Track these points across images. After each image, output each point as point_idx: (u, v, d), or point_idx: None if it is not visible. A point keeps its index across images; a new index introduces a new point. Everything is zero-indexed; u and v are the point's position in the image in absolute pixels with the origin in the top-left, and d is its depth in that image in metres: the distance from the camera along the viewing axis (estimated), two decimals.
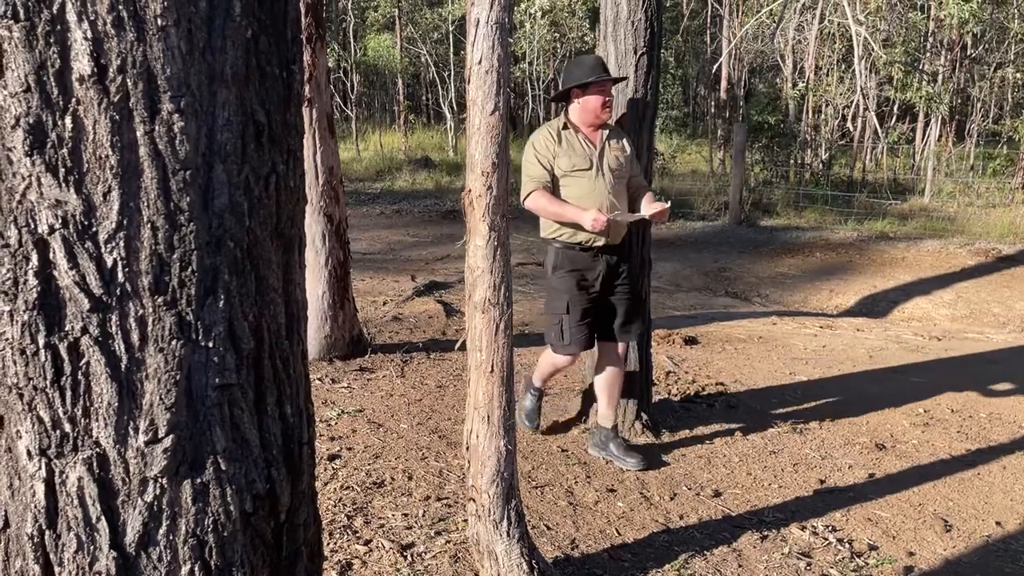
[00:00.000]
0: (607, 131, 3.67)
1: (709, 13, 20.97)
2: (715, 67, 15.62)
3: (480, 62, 2.43)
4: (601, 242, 3.62)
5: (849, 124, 15.74)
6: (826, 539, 3.17)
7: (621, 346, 3.82)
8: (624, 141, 3.73)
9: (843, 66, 15.82)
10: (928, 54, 16.04)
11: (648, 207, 3.61)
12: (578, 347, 3.71)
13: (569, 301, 3.64)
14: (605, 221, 3.43)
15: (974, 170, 14.98)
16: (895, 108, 17.19)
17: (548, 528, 3.14)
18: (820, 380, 5.24)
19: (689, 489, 3.56)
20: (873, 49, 12.44)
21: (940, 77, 15.23)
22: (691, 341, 6.02)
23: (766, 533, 3.19)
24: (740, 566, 2.95)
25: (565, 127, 3.64)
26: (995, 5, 15.41)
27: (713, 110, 18.94)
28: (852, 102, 14.80)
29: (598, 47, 4.17)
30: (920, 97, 14.46)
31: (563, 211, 3.54)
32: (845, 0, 9.38)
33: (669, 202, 3.61)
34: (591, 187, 3.57)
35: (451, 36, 20.60)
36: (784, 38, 15.95)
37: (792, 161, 14.76)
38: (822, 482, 3.70)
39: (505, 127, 2.50)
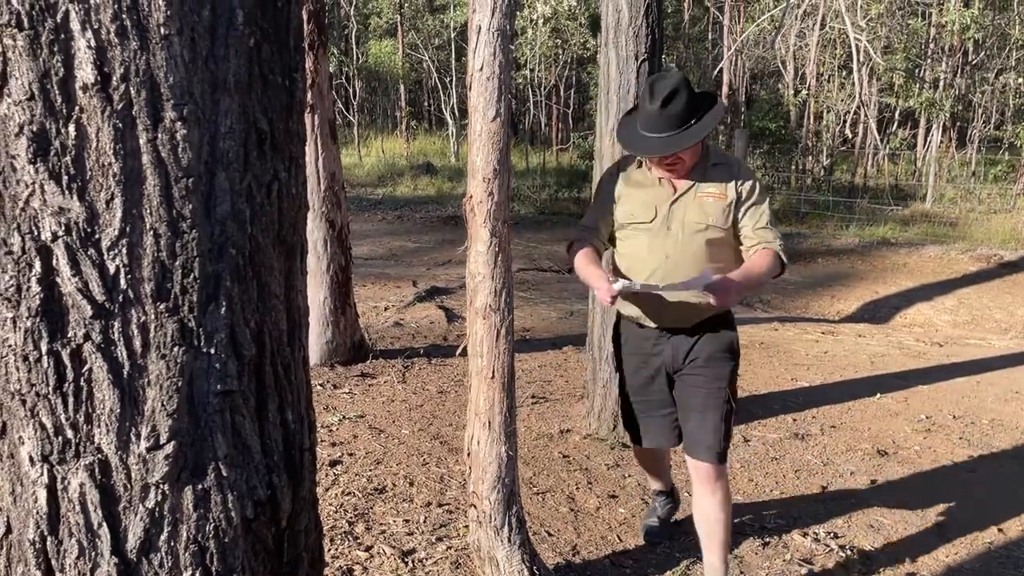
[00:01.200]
0: (709, 167, 2.58)
1: (710, 19, 21.01)
2: (715, 72, 15.64)
3: (481, 68, 2.44)
4: (651, 323, 2.67)
5: (849, 130, 15.75)
6: (828, 545, 3.17)
7: (704, 467, 2.63)
8: (733, 185, 2.54)
9: (844, 72, 15.84)
10: (929, 60, 16.06)
11: (710, 280, 2.39)
12: (635, 440, 2.89)
13: (629, 387, 2.80)
14: (607, 295, 2.41)
15: (976, 176, 14.99)
16: (896, 114, 17.20)
17: (549, 534, 3.14)
18: (822, 386, 5.24)
19: (690, 495, 3.55)
20: (872, 56, 12.45)
21: (941, 83, 15.24)
22: None
23: (768, 539, 3.19)
24: (742, 572, 2.94)
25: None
26: (996, 11, 15.43)
27: None
28: (853, 108, 14.82)
29: (599, 54, 4.18)
30: (921, 103, 14.47)
31: (585, 276, 2.59)
32: (844, 7, 9.40)
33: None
34: (647, 247, 2.57)
35: (453, 42, 20.65)
36: (785, 44, 15.97)
37: (793, 167, 14.78)
38: (824, 488, 3.69)
39: (507, 134, 2.50)
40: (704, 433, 2.62)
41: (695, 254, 2.54)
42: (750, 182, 2.56)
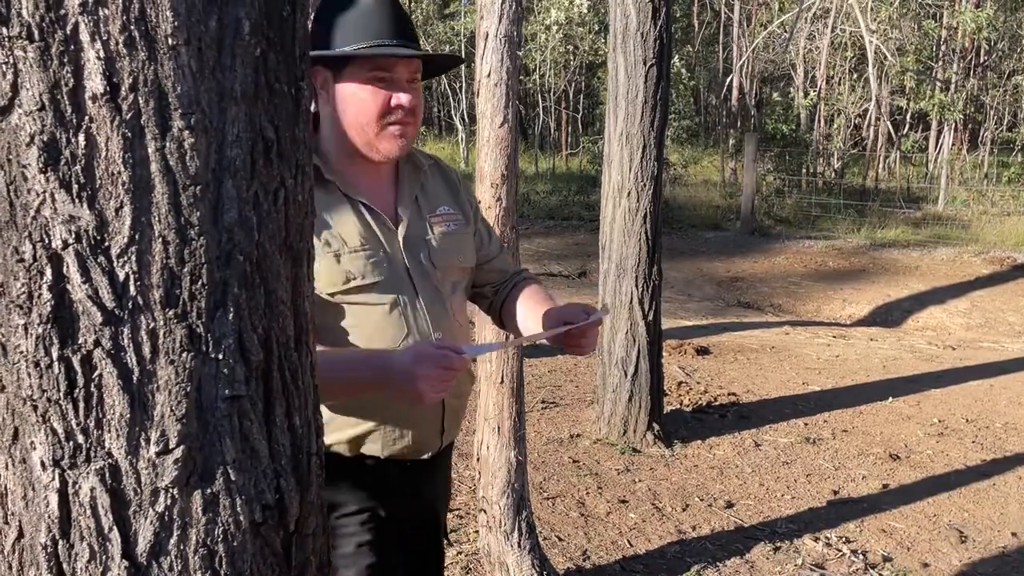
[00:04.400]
0: (411, 173, 1.60)
1: (721, 23, 20.98)
2: (728, 79, 15.62)
3: (489, 75, 2.45)
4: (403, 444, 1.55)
5: (862, 132, 15.69)
6: (839, 550, 3.15)
7: None
8: (455, 193, 1.68)
9: (855, 75, 15.78)
10: (941, 62, 15.98)
11: (563, 311, 1.54)
12: None
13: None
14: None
15: (988, 178, 14.89)
16: (908, 116, 17.12)
17: (559, 539, 3.13)
18: (833, 390, 5.21)
19: (701, 500, 3.54)
20: (885, 57, 12.40)
21: (953, 85, 15.16)
22: (703, 351, 6.00)
23: (779, 544, 3.17)
24: None
25: (319, 175, 1.46)
26: (1008, 12, 15.35)
27: (725, 120, 18.93)
28: (864, 110, 14.77)
29: (608, 59, 4.19)
30: (933, 105, 14.40)
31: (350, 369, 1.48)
32: (857, 9, 9.37)
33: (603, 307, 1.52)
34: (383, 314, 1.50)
35: (463, 49, 20.70)
36: (796, 47, 15.94)
37: (804, 170, 14.73)
38: (835, 493, 3.68)
39: (514, 139, 2.51)
40: None
41: (445, 311, 1.58)
42: (461, 186, 1.73)
